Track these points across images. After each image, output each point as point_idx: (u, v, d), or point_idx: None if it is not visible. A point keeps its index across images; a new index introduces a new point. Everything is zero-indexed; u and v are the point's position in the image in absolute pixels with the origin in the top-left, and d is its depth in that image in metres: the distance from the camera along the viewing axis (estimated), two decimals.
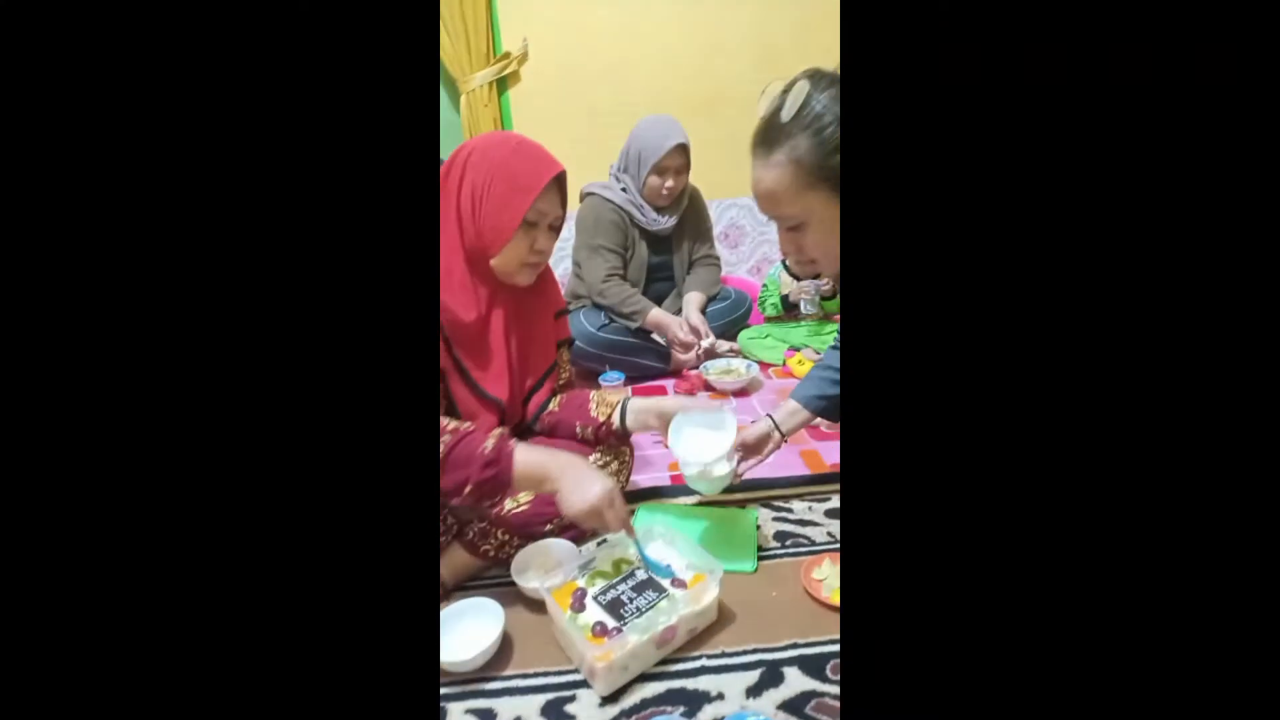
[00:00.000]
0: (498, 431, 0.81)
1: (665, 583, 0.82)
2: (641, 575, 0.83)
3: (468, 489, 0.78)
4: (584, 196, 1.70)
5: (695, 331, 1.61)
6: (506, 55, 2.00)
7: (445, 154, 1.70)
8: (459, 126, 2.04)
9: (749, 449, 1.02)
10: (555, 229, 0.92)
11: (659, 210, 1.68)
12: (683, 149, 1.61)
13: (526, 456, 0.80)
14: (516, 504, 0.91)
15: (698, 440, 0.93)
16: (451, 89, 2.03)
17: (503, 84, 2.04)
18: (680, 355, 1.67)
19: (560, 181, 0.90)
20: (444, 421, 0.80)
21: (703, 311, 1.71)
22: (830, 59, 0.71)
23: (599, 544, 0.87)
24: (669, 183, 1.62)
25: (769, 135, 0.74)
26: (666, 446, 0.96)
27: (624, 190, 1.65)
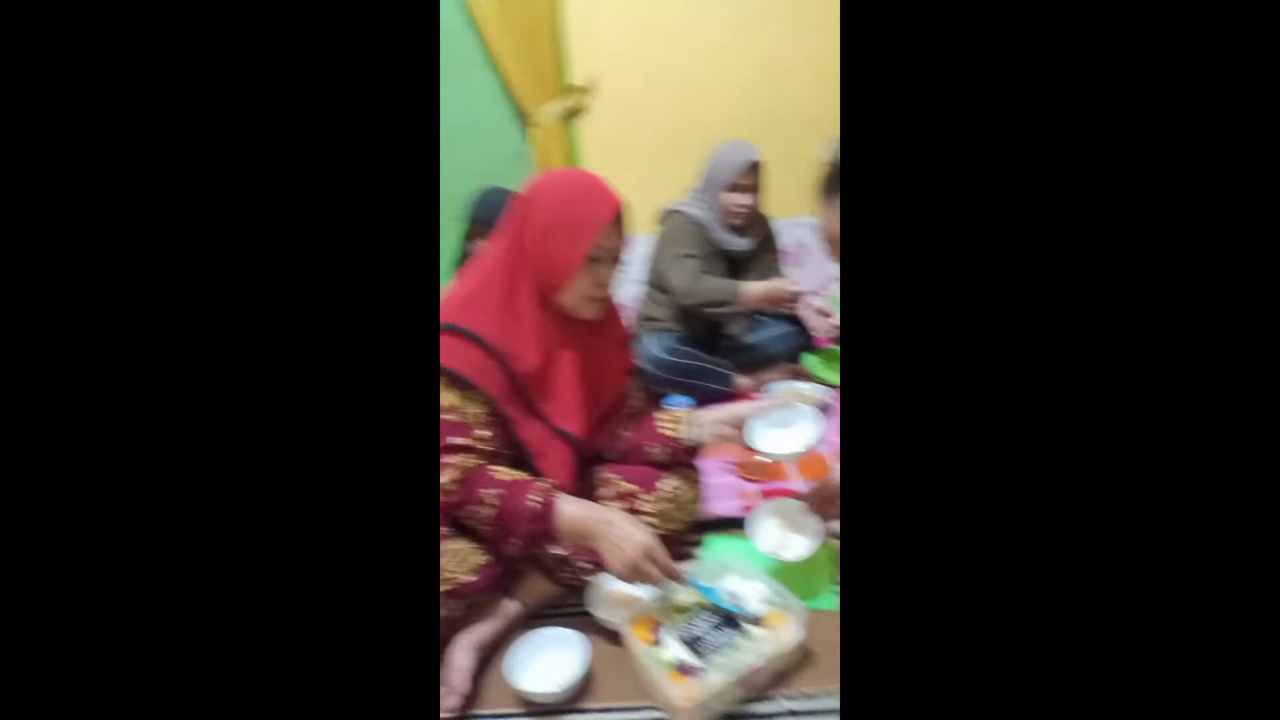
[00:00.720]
0: (544, 485, 0.83)
1: (746, 620, 0.81)
2: (722, 612, 0.83)
3: (518, 542, 0.82)
4: (666, 215, 1.72)
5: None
6: (575, 87, 2.06)
7: (512, 184, 1.77)
8: (529, 158, 2.11)
9: (830, 500, 0.98)
10: (616, 260, 0.94)
11: (735, 230, 1.69)
12: (756, 167, 1.62)
13: (571, 510, 0.82)
14: None
15: (777, 438, 0.93)
16: (521, 121, 2.11)
17: (570, 115, 2.11)
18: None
19: (620, 215, 0.92)
20: (493, 472, 0.84)
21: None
22: None
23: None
24: (743, 200, 1.63)
25: (837, 181, 0.73)
26: (745, 446, 0.96)
27: (704, 209, 1.68)
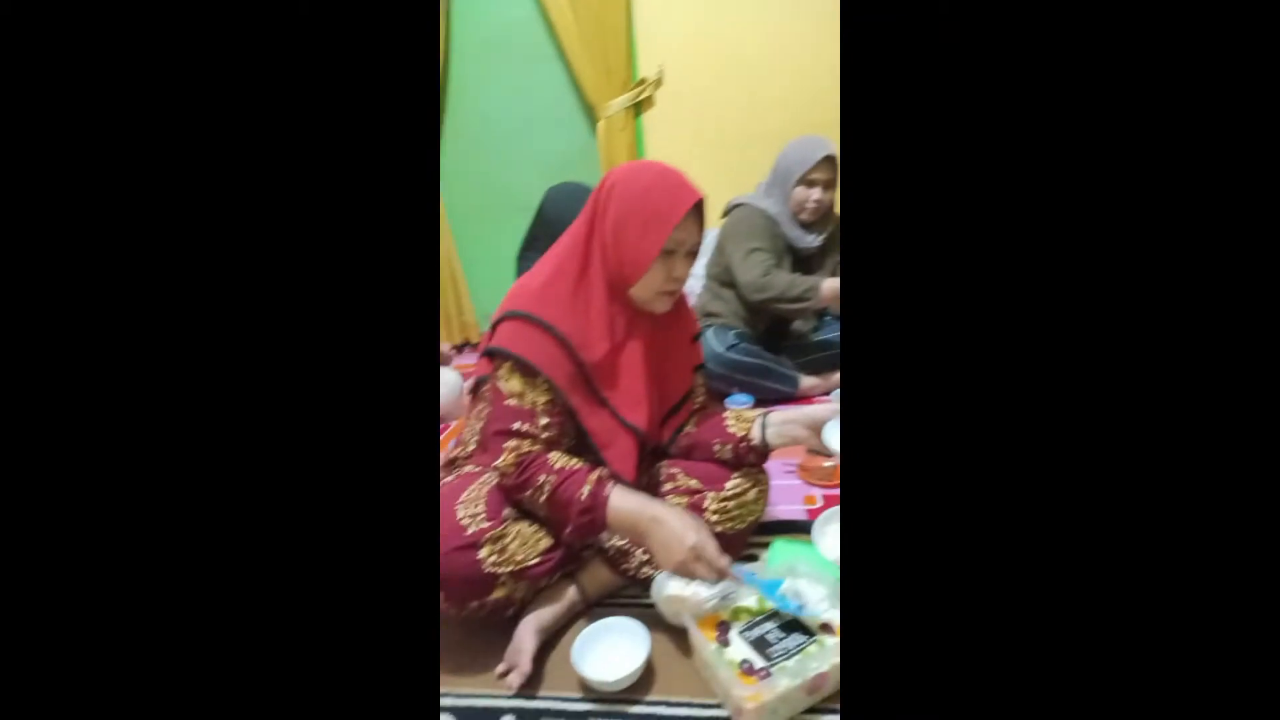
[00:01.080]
0: (595, 475, 0.83)
1: (814, 625, 0.79)
2: (789, 615, 0.81)
3: (567, 530, 0.83)
4: (731, 209, 1.69)
5: None
6: (643, 81, 2.06)
7: (580, 178, 1.78)
8: (595, 152, 2.12)
9: None
10: (692, 255, 0.93)
11: (805, 226, 1.64)
12: (831, 162, 1.57)
13: (621, 504, 0.81)
14: None
15: None
16: (589, 114, 2.12)
17: (637, 108, 2.11)
18: None
19: (699, 208, 0.90)
20: (551, 459, 0.84)
21: None
22: None
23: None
24: (815, 194, 1.58)
25: None
26: (815, 450, 0.94)
27: (775, 203, 1.64)
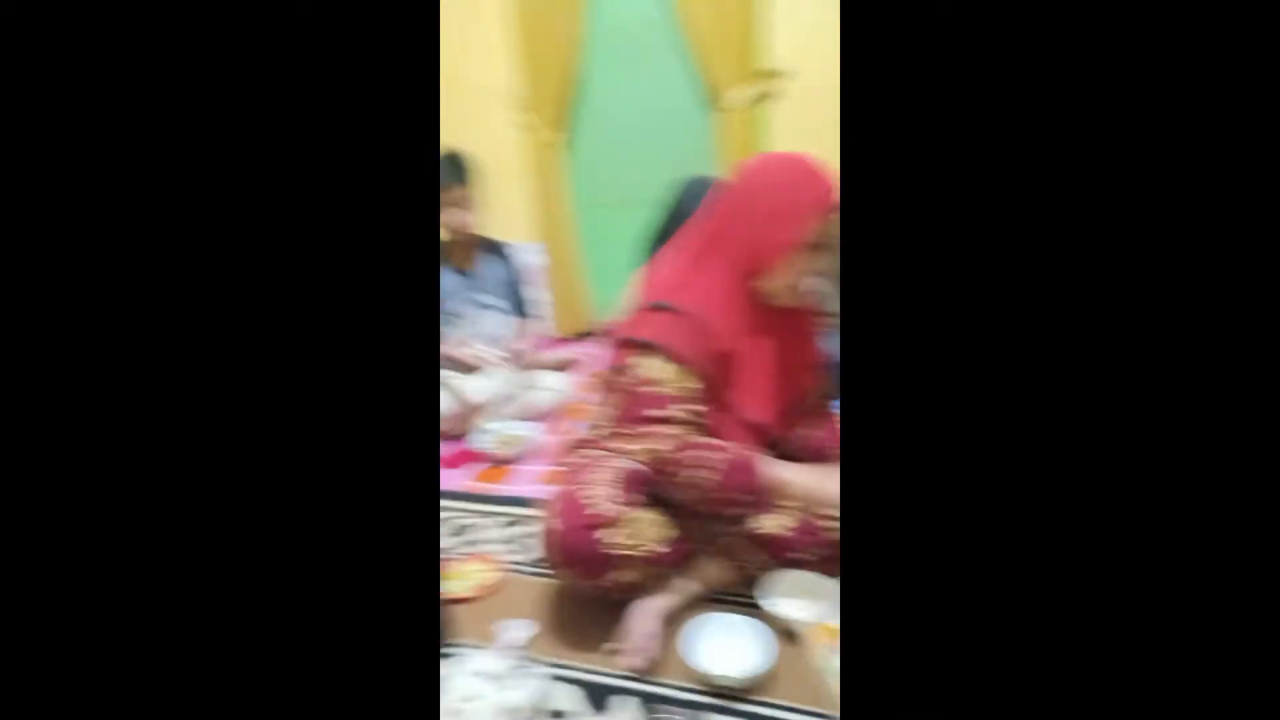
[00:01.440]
0: (746, 446, 0.86)
1: None
2: None
3: (718, 495, 0.84)
4: None
5: None
6: (768, 73, 2.02)
7: (701, 172, 1.77)
8: (716, 145, 2.11)
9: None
10: (820, 249, 0.91)
11: None
12: None
13: (774, 464, 0.87)
14: (780, 526, 0.92)
15: None
16: (711, 107, 2.11)
17: (762, 101, 2.07)
18: None
19: (835, 203, 0.89)
20: (695, 439, 0.86)
21: None
22: None
23: None
24: None
25: None
26: None
27: None
